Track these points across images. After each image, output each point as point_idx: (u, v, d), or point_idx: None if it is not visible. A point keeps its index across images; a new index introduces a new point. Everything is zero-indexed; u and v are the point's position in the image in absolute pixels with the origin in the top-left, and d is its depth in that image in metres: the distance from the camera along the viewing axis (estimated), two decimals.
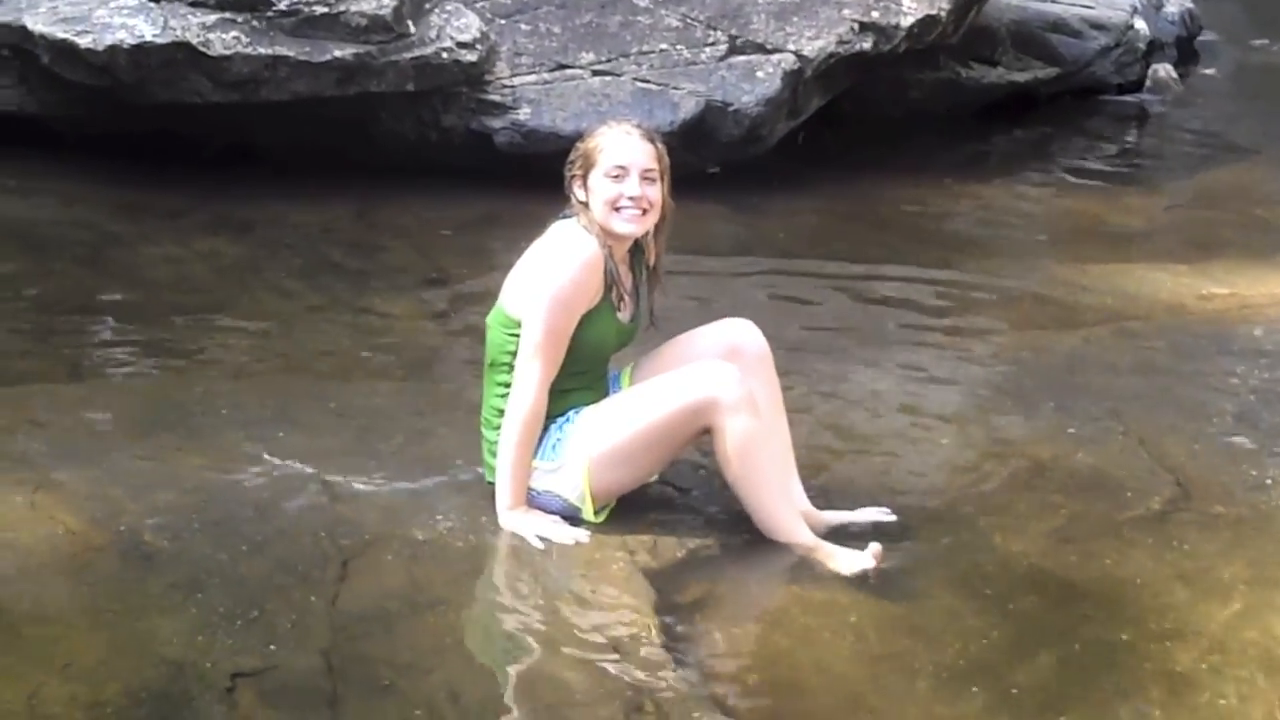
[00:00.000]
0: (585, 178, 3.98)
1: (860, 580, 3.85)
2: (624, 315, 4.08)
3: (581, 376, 4.04)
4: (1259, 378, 5.23)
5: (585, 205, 3.98)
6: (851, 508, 4.19)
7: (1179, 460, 4.58)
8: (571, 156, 4.05)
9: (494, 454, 4.02)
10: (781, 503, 3.98)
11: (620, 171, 3.94)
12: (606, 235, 3.97)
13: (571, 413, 4.01)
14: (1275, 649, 3.62)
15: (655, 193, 3.98)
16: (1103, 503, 4.32)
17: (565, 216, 4.05)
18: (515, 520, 3.95)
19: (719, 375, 3.90)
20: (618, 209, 3.94)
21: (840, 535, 4.05)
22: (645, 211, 3.97)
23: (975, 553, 4.05)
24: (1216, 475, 4.51)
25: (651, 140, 4.01)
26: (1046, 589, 3.90)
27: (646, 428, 3.94)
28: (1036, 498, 4.35)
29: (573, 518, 3.99)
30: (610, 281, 3.99)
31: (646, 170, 3.96)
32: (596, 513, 4.00)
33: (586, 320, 3.97)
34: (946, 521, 4.20)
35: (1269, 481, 4.46)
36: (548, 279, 3.92)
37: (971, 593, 3.86)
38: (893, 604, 3.79)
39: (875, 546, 3.88)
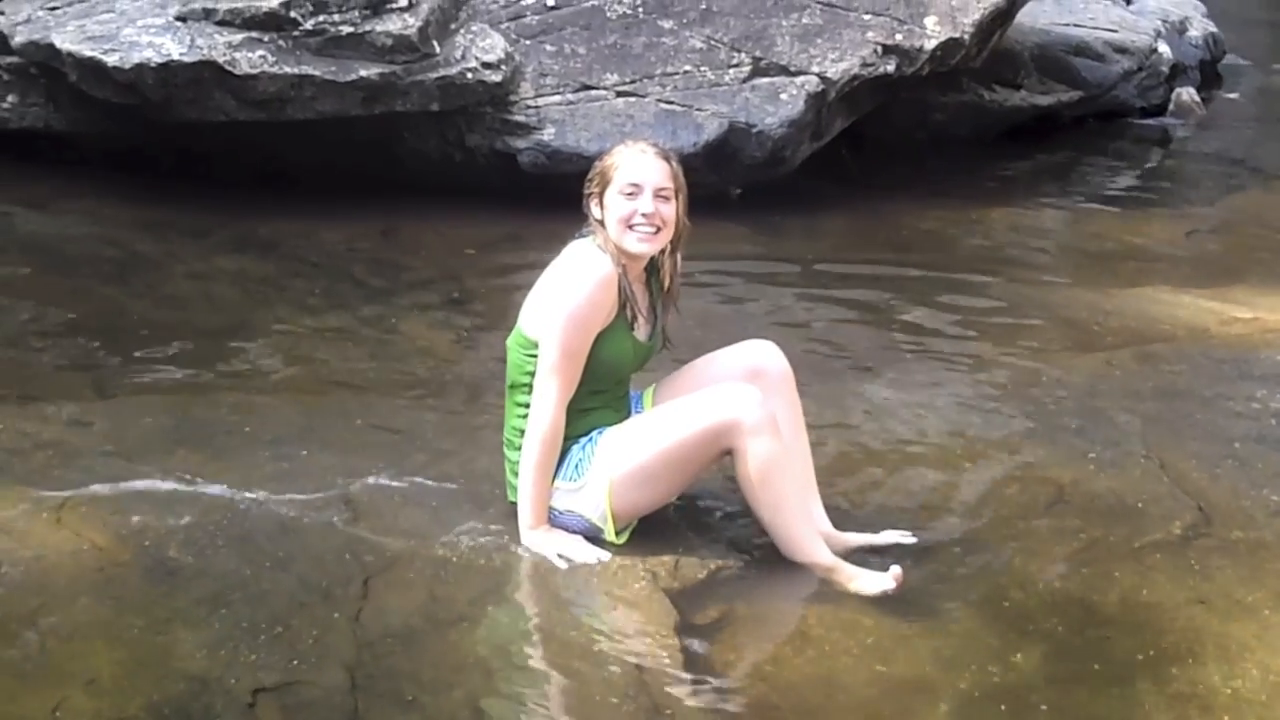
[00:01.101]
0: (601, 195, 4.01)
1: (881, 602, 3.86)
2: (640, 334, 4.10)
3: (602, 395, 4.06)
4: None
5: (601, 223, 4.01)
6: (873, 529, 4.20)
7: (1200, 485, 4.58)
8: (590, 174, 4.08)
9: (516, 474, 4.04)
10: (802, 524, 3.99)
11: (634, 189, 3.95)
12: (620, 254, 3.98)
13: (595, 433, 4.03)
14: None
15: (669, 211, 3.99)
16: (1123, 527, 4.32)
17: (581, 235, 4.08)
18: (537, 539, 3.96)
19: (740, 397, 3.91)
20: (631, 226, 3.96)
21: (861, 557, 4.06)
22: (658, 230, 3.98)
23: (996, 575, 4.06)
24: (1237, 500, 4.50)
25: (667, 159, 4.02)
26: (1067, 612, 3.90)
27: (668, 449, 3.95)
28: (1057, 521, 4.34)
29: (594, 538, 4.01)
30: (625, 300, 4.00)
31: (660, 188, 3.97)
32: (618, 533, 4.01)
33: (602, 338, 3.98)
34: (968, 544, 4.20)
35: None
36: (562, 299, 3.94)
37: (993, 615, 3.87)
38: (914, 626, 3.79)
39: (896, 569, 3.89)
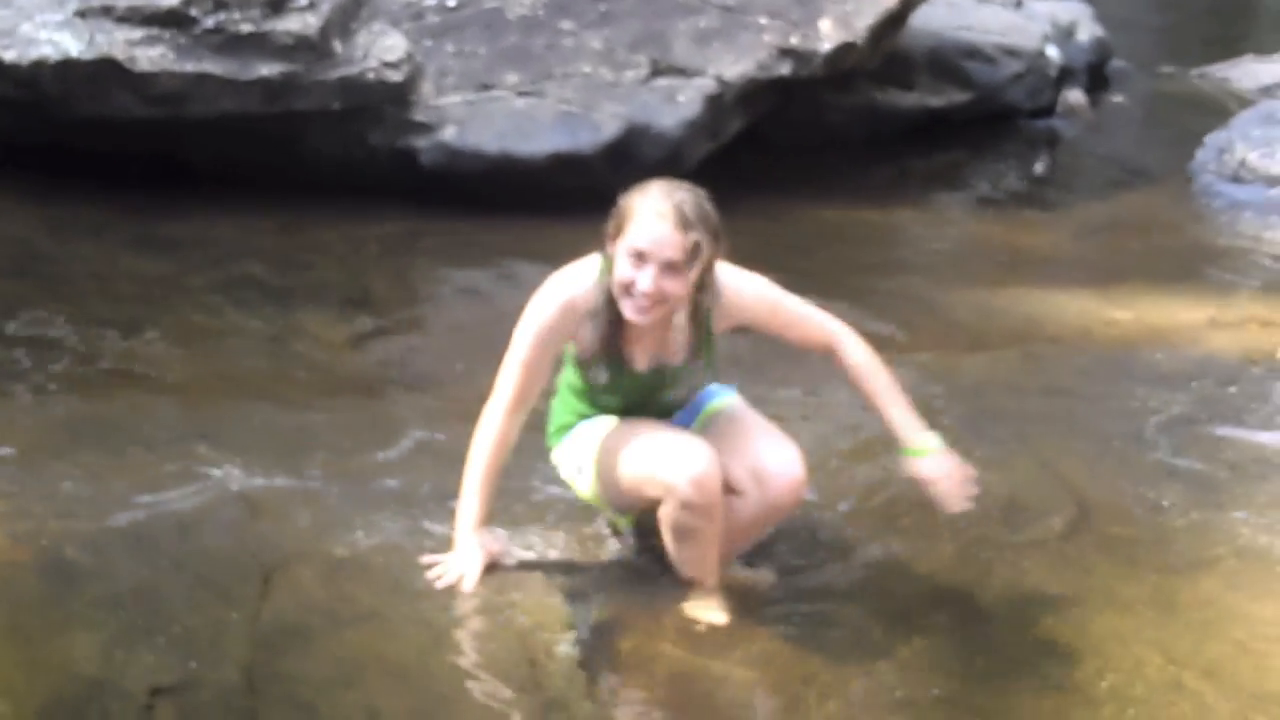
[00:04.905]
0: (615, 239, 3.68)
1: (769, 599, 3.95)
2: (639, 364, 3.86)
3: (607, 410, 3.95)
4: (1159, 401, 5.33)
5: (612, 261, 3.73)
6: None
7: (1080, 482, 4.69)
8: (615, 207, 3.72)
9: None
10: (698, 573, 3.93)
11: (639, 259, 3.62)
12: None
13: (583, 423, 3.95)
14: (1170, 667, 3.74)
15: (675, 285, 3.64)
16: (1006, 523, 4.42)
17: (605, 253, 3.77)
18: (457, 543, 3.90)
19: (682, 468, 3.72)
20: (629, 294, 3.66)
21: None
22: (656, 304, 3.66)
23: (882, 573, 4.15)
24: (1117, 497, 4.62)
25: (685, 227, 3.60)
26: (952, 608, 4.01)
27: (618, 478, 3.86)
28: (942, 518, 4.39)
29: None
30: (603, 332, 3.78)
31: (669, 262, 3.61)
32: (621, 516, 4.02)
33: (579, 364, 3.88)
34: (853, 542, 4.28)
35: (1166, 503, 4.58)
36: (530, 305, 3.81)
37: (878, 612, 3.95)
38: (802, 625, 3.88)
39: (719, 619, 3.87)
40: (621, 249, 3.65)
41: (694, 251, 3.63)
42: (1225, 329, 6.20)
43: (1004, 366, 5.67)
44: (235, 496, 4.24)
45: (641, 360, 3.85)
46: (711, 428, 3.96)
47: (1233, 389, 5.51)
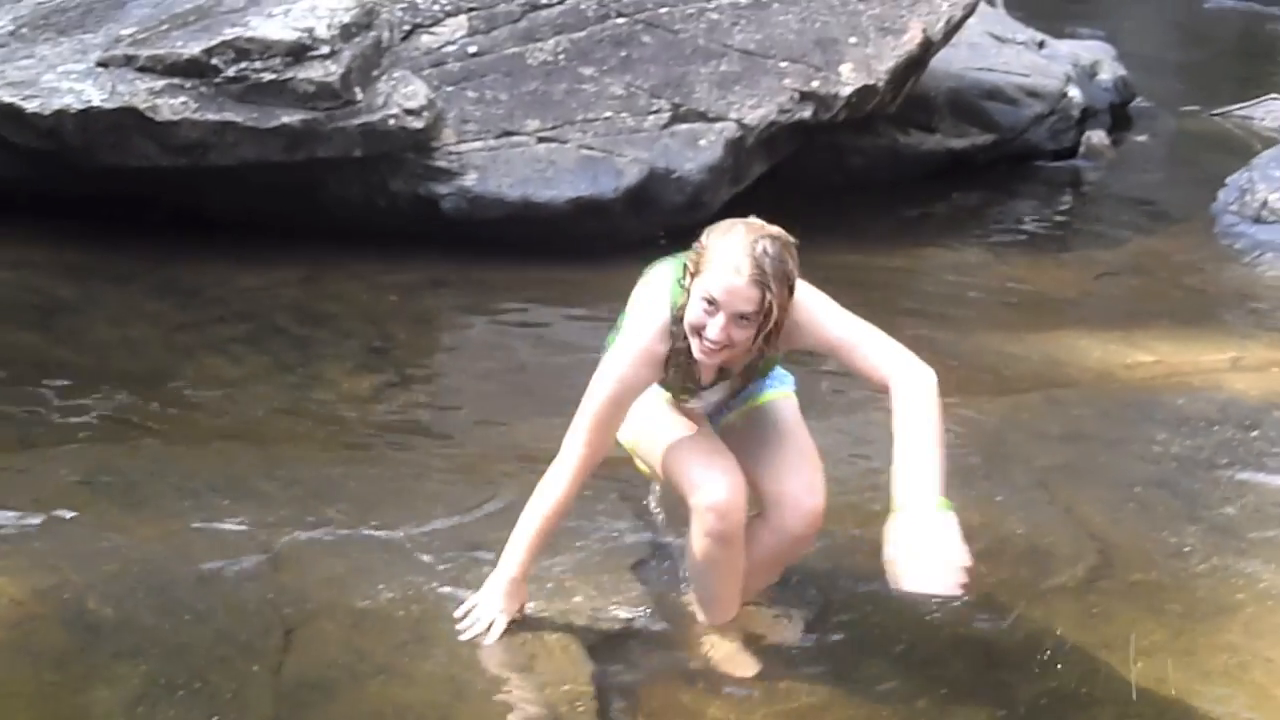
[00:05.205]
0: (693, 275, 3.64)
1: (788, 649, 3.94)
2: (706, 380, 3.84)
3: None
4: (1181, 445, 5.33)
5: (687, 291, 3.68)
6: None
7: (1102, 527, 4.69)
8: (698, 241, 3.68)
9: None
10: (712, 608, 3.96)
11: (711, 307, 3.59)
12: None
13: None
14: (1192, 715, 3.74)
15: (742, 334, 3.61)
16: (1028, 569, 4.41)
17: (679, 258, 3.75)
18: (491, 590, 3.91)
19: (704, 498, 3.76)
20: (698, 335, 3.63)
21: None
22: (723, 349, 3.64)
23: (901, 619, 4.12)
24: (1138, 542, 4.61)
25: (761, 284, 3.54)
26: (972, 655, 4.00)
27: (652, 457, 3.89)
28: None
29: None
30: (681, 371, 3.78)
31: (739, 314, 3.58)
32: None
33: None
34: (873, 588, 4.23)
35: (1188, 549, 4.57)
36: (606, 360, 3.78)
37: (897, 659, 3.95)
38: (821, 672, 3.87)
39: (748, 674, 3.88)
40: (697, 289, 3.60)
41: (767, 307, 3.59)
42: (1247, 372, 6.18)
43: (1025, 411, 5.66)
44: (257, 548, 4.25)
45: (708, 377, 3.83)
46: (751, 425, 3.96)
47: (1255, 433, 5.49)
